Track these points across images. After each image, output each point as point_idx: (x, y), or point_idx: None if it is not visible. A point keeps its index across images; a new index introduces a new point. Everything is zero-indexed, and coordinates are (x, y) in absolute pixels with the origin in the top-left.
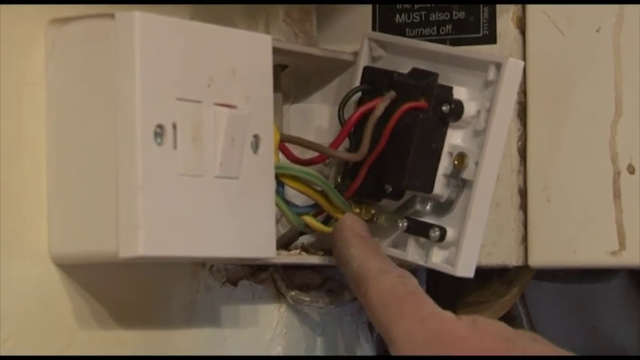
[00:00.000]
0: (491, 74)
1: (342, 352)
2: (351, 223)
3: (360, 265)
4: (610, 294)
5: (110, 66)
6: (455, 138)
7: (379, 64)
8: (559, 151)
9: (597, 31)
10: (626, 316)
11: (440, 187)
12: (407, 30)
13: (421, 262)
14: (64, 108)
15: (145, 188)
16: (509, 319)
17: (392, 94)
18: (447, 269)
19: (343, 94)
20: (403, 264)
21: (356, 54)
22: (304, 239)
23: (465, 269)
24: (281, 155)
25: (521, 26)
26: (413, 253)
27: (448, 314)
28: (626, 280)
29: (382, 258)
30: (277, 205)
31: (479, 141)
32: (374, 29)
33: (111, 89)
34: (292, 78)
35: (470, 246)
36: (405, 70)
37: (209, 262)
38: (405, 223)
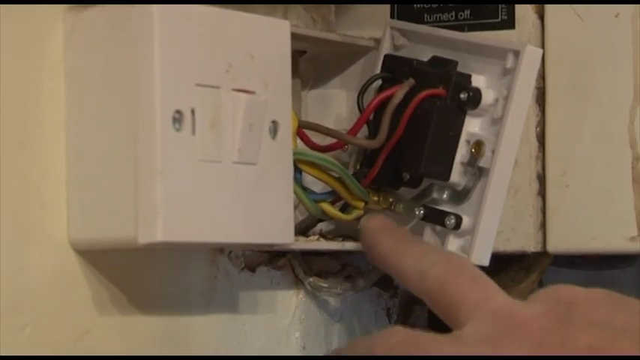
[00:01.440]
0: (509, 62)
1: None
2: (372, 222)
3: (397, 267)
4: (629, 280)
5: (129, 52)
6: (472, 126)
7: (401, 53)
8: (578, 137)
9: (616, 16)
10: None
11: (457, 175)
12: (425, 15)
13: None
14: (83, 94)
15: (163, 174)
16: None
17: (411, 81)
18: None
19: (362, 81)
20: None
21: (374, 39)
22: (322, 225)
23: (480, 257)
24: (299, 141)
25: (540, 11)
26: (429, 241)
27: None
28: None
29: (415, 248)
30: (294, 191)
31: (496, 129)
32: (392, 15)
33: (130, 75)
34: (310, 64)
35: (485, 234)
36: (426, 59)
37: (227, 248)
38: (422, 211)
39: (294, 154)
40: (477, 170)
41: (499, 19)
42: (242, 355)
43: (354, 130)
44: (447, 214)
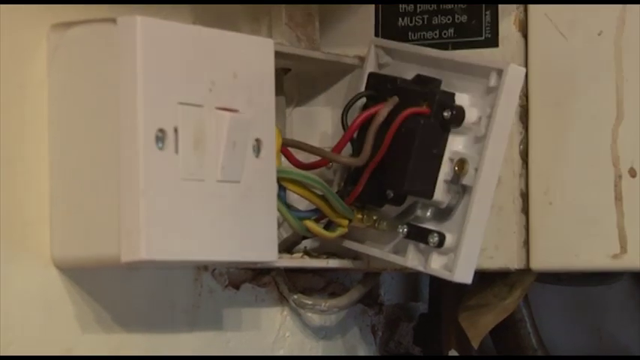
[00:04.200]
0: (492, 80)
1: (345, 355)
2: None
3: None
4: (614, 296)
5: (112, 70)
6: (456, 144)
7: (385, 71)
8: (561, 154)
9: (599, 34)
10: (630, 318)
11: (440, 193)
12: (409, 33)
13: (420, 268)
14: (66, 112)
15: (146, 192)
16: (513, 321)
17: (395, 99)
18: (444, 275)
19: (347, 98)
20: (403, 269)
21: (359, 57)
22: (307, 243)
23: (463, 275)
24: (283, 159)
25: (524, 30)
26: (413, 258)
27: None
28: (630, 282)
29: None
30: (278, 209)
31: (479, 147)
32: (376, 33)
33: (113, 93)
34: (295, 81)
35: (468, 252)
36: (410, 77)
37: (211, 265)
38: (405, 229)
39: (278, 171)
40: (461, 188)
41: (483, 38)
42: (238, 355)
43: (338, 148)
44: (430, 231)
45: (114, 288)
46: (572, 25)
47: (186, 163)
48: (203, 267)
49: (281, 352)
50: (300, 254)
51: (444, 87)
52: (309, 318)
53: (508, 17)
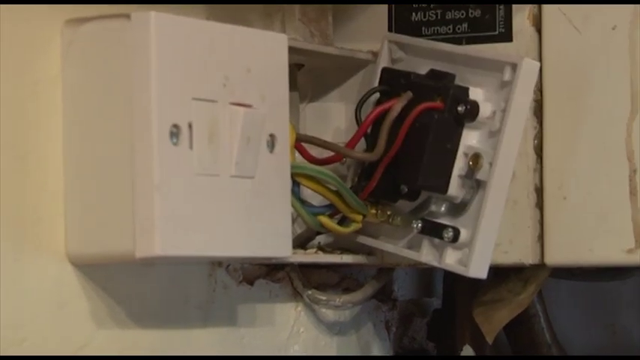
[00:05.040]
0: (506, 75)
1: (359, 351)
2: None
3: None
4: (628, 291)
5: (126, 66)
6: (470, 139)
7: (399, 66)
8: (575, 149)
9: (613, 29)
10: None
11: (455, 188)
12: (423, 28)
13: (435, 263)
14: (81, 108)
15: (161, 188)
16: (527, 317)
17: (409, 94)
18: (459, 270)
19: (360, 94)
20: (417, 264)
21: (372, 53)
22: (321, 238)
23: (478, 270)
24: (297, 154)
25: (537, 24)
26: (427, 253)
27: None
28: None
29: None
30: (292, 205)
31: (494, 142)
32: (390, 28)
33: (127, 89)
34: (309, 77)
35: (483, 247)
36: (424, 72)
37: (225, 261)
38: (420, 224)
39: (292, 167)
40: (475, 183)
41: (497, 32)
42: (242, 355)
43: (352, 143)
44: (444, 226)
45: (128, 284)
46: (587, 19)
47: (201, 158)
48: (217, 263)
49: (295, 348)
50: (314, 250)
51: (457, 82)
52: (324, 314)
53: (522, 12)
